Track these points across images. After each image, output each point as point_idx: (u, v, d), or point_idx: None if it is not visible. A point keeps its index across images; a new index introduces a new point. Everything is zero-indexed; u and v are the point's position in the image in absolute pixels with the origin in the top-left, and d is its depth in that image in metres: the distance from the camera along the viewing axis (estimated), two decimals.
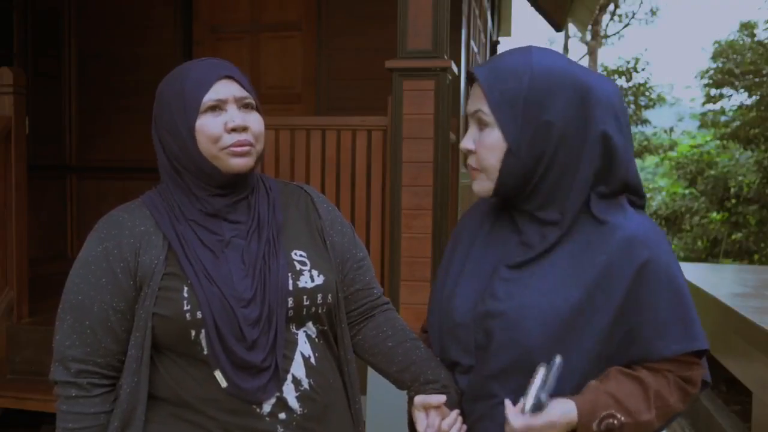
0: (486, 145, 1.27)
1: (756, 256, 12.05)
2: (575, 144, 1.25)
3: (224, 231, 1.37)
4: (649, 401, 1.21)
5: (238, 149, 1.34)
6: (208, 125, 1.33)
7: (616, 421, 1.19)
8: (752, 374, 3.82)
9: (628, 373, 1.23)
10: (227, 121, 1.34)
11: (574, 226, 1.27)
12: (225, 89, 1.35)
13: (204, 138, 1.33)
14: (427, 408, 1.30)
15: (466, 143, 1.30)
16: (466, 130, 1.33)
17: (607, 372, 1.23)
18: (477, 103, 1.28)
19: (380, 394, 3.10)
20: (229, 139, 1.34)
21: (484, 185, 1.30)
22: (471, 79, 1.32)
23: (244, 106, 1.37)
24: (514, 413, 1.18)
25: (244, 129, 1.35)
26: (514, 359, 1.25)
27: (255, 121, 1.38)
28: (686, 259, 12.45)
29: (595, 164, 1.25)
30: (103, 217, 1.41)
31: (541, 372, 1.17)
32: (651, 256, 1.23)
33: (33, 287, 3.71)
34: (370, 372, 1.55)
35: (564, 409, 1.18)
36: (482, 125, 1.28)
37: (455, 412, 1.30)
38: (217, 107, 1.34)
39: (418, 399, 1.31)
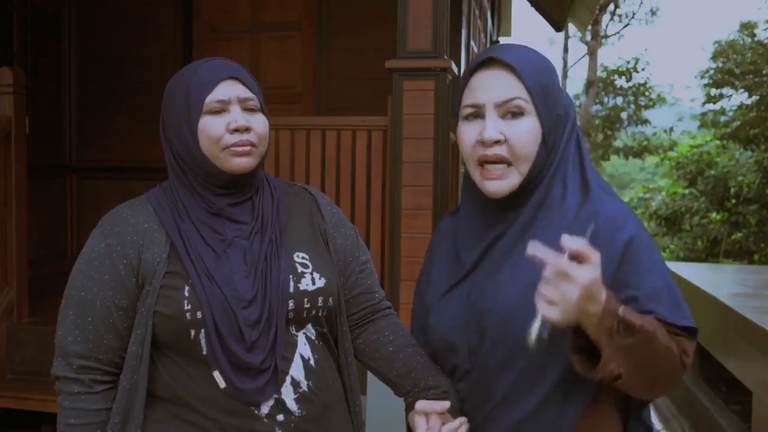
0: (525, 133, 1.24)
1: (756, 256, 12.04)
2: (561, 138, 1.30)
3: (227, 231, 1.37)
4: (661, 330, 1.16)
5: (239, 149, 1.34)
6: (209, 125, 1.34)
7: (637, 322, 1.12)
8: (752, 374, 3.82)
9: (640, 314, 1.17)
10: (230, 122, 1.34)
11: (546, 211, 1.27)
12: (228, 90, 1.35)
13: (205, 138, 1.34)
14: (428, 413, 1.29)
15: (493, 133, 1.24)
16: None
17: None
18: (510, 90, 1.25)
19: (380, 394, 3.10)
20: (231, 139, 1.34)
21: (511, 181, 1.26)
22: (476, 69, 1.29)
23: (248, 107, 1.37)
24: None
25: (247, 130, 1.35)
26: (507, 355, 1.25)
27: (258, 122, 1.38)
28: (686, 259, 12.45)
29: (568, 155, 1.30)
30: (107, 214, 1.42)
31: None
32: (633, 233, 1.23)
33: (33, 287, 3.70)
34: (370, 372, 1.55)
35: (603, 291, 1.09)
36: (516, 113, 1.25)
37: (459, 419, 1.29)
38: (220, 109, 1.34)
39: (420, 404, 1.30)
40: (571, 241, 1.08)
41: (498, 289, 1.26)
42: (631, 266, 1.22)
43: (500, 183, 1.26)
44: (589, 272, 1.07)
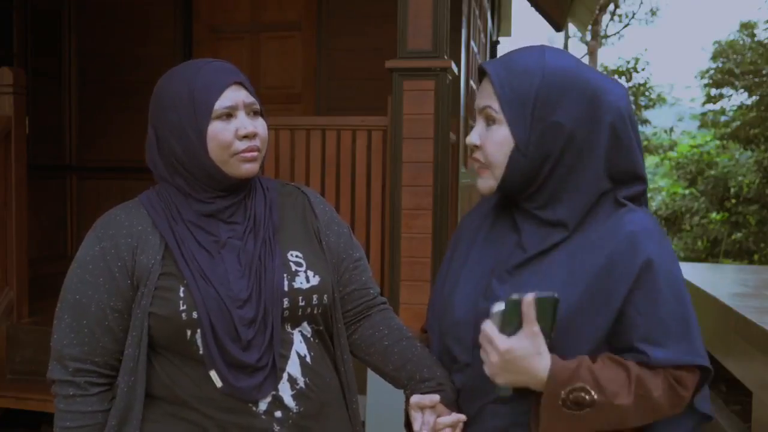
0: (493, 141, 1.27)
1: (756, 256, 12.05)
2: (584, 146, 1.25)
3: (220, 232, 1.38)
4: (629, 387, 1.18)
5: (249, 155, 1.36)
6: (220, 132, 1.34)
7: (588, 396, 1.17)
8: (752, 374, 3.82)
9: (615, 359, 1.21)
10: (239, 128, 1.35)
11: (578, 226, 1.27)
12: (235, 96, 1.36)
13: (215, 144, 1.34)
14: (422, 408, 1.30)
15: (473, 138, 1.30)
16: (466, 129, 1.35)
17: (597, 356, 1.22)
18: (487, 99, 1.28)
19: (380, 394, 3.10)
20: (240, 145, 1.35)
21: (488, 182, 1.31)
22: (482, 74, 1.33)
23: (252, 112, 1.39)
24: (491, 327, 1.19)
25: (254, 135, 1.37)
26: None
27: (262, 127, 1.40)
28: (686, 259, 12.45)
29: (603, 163, 1.26)
30: (100, 217, 1.42)
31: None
32: (653, 255, 1.21)
33: (33, 287, 3.71)
34: (370, 372, 1.55)
35: (539, 364, 1.18)
36: (490, 121, 1.28)
37: (456, 416, 1.29)
38: (228, 114, 1.35)
39: (414, 399, 1.32)
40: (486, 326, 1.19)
41: (511, 291, 1.25)
42: (645, 292, 1.20)
43: (481, 181, 1.33)
44: (507, 343, 1.17)
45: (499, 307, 1.18)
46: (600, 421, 1.19)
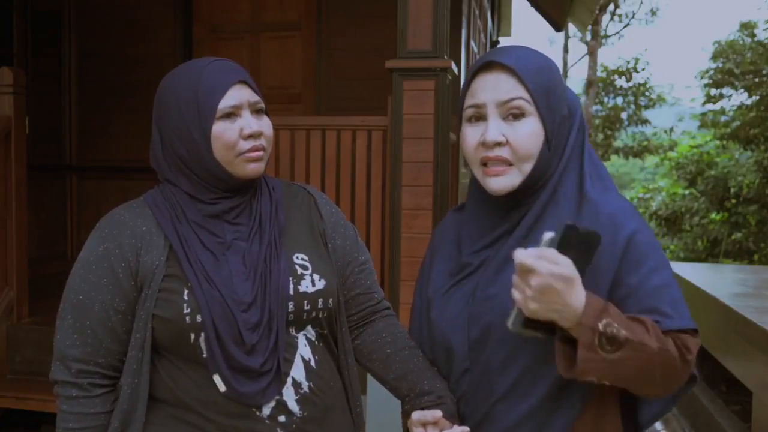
0: (526, 135, 1.25)
1: (756, 256, 12.04)
2: (568, 136, 1.30)
3: (225, 233, 1.36)
4: (650, 334, 1.16)
5: (254, 155, 1.34)
6: (225, 132, 1.33)
7: (620, 333, 1.13)
8: (752, 374, 3.82)
9: (630, 316, 1.19)
10: (243, 128, 1.33)
11: (554, 208, 1.28)
12: (239, 95, 1.34)
13: (220, 144, 1.33)
14: (424, 424, 1.29)
15: (494, 135, 1.25)
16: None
17: None
18: (512, 90, 1.25)
19: (380, 394, 3.09)
20: (245, 145, 1.34)
21: (512, 180, 1.27)
22: (479, 70, 1.29)
23: (256, 111, 1.37)
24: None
25: (259, 134, 1.35)
26: (510, 353, 1.25)
27: (266, 125, 1.38)
28: (686, 259, 12.45)
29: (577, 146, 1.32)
30: (104, 217, 1.40)
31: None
32: (635, 231, 1.23)
33: (33, 287, 3.70)
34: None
35: (576, 295, 1.11)
36: (517, 115, 1.26)
37: (457, 428, 1.28)
38: (233, 113, 1.34)
39: (416, 416, 1.30)
40: (523, 254, 1.10)
41: (504, 286, 1.25)
42: (633, 264, 1.22)
43: (502, 180, 1.27)
44: (549, 266, 1.09)
45: (549, 234, 1.13)
46: (629, 364, 1.14)
